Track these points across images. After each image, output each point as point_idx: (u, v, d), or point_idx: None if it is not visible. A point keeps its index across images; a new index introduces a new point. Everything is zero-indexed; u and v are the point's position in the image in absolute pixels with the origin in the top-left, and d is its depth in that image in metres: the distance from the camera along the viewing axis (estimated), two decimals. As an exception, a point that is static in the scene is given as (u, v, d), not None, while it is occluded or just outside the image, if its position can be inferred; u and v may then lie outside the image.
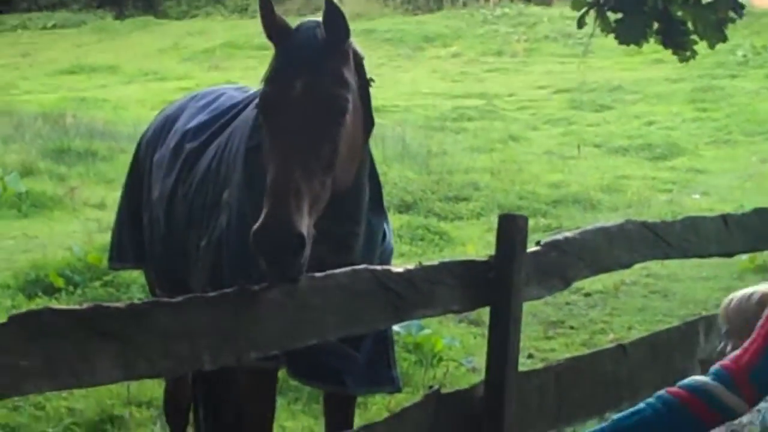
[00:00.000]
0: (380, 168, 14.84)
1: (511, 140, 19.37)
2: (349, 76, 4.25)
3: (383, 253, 4.75)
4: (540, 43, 30.34)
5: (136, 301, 3.41)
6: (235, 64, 29.37)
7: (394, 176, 14.94)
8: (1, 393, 2.99)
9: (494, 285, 4.44)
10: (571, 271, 4.97)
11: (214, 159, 5.07)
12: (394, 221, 12.95)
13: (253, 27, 30.09)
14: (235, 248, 4.56)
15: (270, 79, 4.20)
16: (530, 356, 8.35)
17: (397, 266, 4.15)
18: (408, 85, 25.94)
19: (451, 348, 8.33)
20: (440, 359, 8.15)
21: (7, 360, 2.92)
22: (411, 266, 4.13)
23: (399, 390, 4.95)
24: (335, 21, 4.16)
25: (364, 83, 4.42)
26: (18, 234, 12.18)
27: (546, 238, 4.92)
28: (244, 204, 4.56)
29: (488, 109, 22.56)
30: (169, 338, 3.28)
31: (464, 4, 35.36)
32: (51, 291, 9.45)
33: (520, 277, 4.48)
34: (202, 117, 5.50)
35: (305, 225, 3.78)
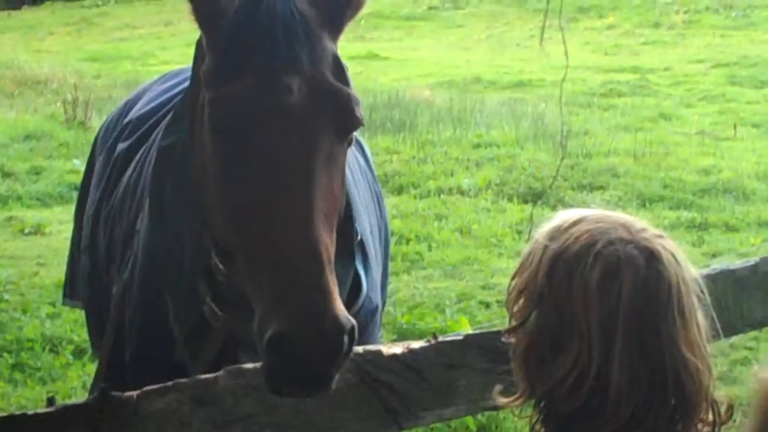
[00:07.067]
0: (512, 150, 13.41)
1: (661, 118, 17.81)
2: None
3: (358, 313, 3.17)
4: (700, 14, 28.52)
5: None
6: (381, 35, 28.38)
7: (524, 160, 13.62)
8: None
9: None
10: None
11: (137, 167, 3.47)
12: (517, 213, 11.61)
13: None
14: (138, 304, 3.06)
15: (225, 72, 2.64)
16: None
17: (390, 345, 2.67)
18: (558, 58, 24.47)
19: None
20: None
21: None
22: (416, 345, 2.71)
23: None
24: None
25: None
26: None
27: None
28: (153, 236, 3.03)
29: (640, 84, 21.06)
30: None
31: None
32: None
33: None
34: (150, 105, 3.90)
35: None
